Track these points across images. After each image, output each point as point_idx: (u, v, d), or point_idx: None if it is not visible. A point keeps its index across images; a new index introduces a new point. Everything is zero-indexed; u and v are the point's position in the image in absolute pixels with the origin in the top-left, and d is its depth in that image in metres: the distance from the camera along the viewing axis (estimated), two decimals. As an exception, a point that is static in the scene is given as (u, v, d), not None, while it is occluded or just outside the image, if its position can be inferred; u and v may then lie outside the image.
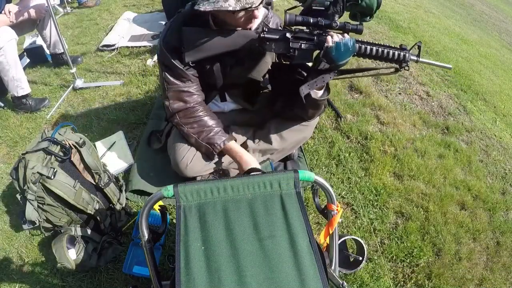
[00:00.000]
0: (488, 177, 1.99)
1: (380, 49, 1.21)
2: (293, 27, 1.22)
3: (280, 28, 1.37)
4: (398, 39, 3.34)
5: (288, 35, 1.22)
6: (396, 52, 1.21)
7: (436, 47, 3.39)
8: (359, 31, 1.20)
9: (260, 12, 1.32)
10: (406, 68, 1.24)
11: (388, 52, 1.21)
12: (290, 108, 1.50)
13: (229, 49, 1.27)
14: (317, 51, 1.25)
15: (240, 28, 1.27)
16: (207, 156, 1.46)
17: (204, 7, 1.13)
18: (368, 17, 1.72)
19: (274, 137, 1.58)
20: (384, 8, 3.98)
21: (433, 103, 2.50)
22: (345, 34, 1.20)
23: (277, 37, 1.22)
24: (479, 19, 5.94)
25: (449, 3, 5.99)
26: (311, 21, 1.18)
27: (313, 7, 1.61)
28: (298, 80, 1.36)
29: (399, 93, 2.53)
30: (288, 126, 1.57)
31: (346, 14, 1.75)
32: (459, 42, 3.89)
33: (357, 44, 1.21)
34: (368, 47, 1.21)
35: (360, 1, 1.61)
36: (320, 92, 1.32)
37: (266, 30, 1.22)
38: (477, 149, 2.16)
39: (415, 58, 1.23)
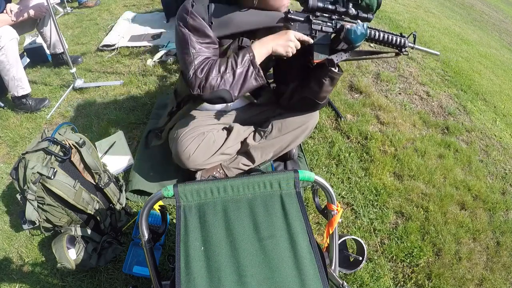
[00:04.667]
0: (488, 177, 1.99)
1: (386, 35, 1.37)
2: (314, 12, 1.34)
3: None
4: (398, 39, 3.34)
5: (311, 17, 1.33)
6: (398, 38, 1.38)
7: (436, 47, 3.39)
8: (368, 20, 1.34)
9: None
10: (405, 53, 1.40)
11: (392, 38, 1.37)
12: (300, 93, 1.51)
13: (256, 26, 1.31)
14: (333, 35, 1.38)
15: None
16: (256, 76, 1.29)
17: None
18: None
19: (275, 133, 1.58)
20: (384, 8, 3.98)
21: (433, 103, 2.50)
22: (358, 21, 1.31)
23: (302, 19, 1.32)
24: (479, 19, 5.94)
25: (449, 3, 5.99)
26: (330, 7, 1.31)
27: (313, 7, 1.63)
28: (305, 65, 1.43)
29: (399, 93, 2.54)
30: (290, 124, 1.57)
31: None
32: (459, 42, 3.89)
33: (369, 30, 1.33)
34: (377, 32, 1.36)
35: (360, 1, 1.61)
36: (341, 59, 1.39)
37: (292, 11, 1.31)
38: (477, 149, 2.16)
39: (412, 44, 1.40)
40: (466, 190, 1.84)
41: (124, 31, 3.12)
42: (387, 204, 1.70)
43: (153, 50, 2.82)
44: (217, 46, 1.31)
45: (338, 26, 1.34)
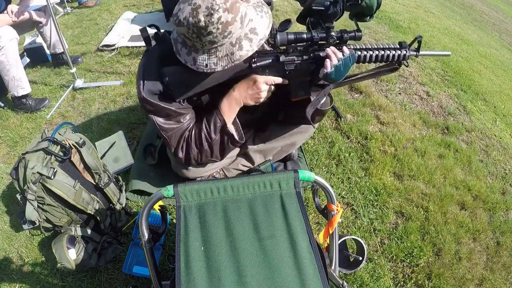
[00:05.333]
0: (488, 177, 1.99)
1: (380, 53, 1.18)
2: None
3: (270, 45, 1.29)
4: (398, 39, 3.34)
5: (281, 58, 1.14)
6: (396, 53, 1.19)
7: (436, 47, 3.39)
8: (357, 38, 1.14)
9: None
10: (405, 64, 1.23)
11: (388, 55, 1.19)
12: (295, 118, 1.48)
13: (218, 82, 1.18)
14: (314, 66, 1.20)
15: None
16: (233, 141, 1.28)
17: (218, 66, 1.06)
18: (368, 17, 1.72)
19: (273, 138, 1.57)
20: (384, 8, 3.98)
21: (433, 103, 2.50)
22: (344, 48, 1.14)
23: (269, 61, 1.14)
24: (479, 19, 5.94)
25: (449, 3, 5.99)
26: (305, 36, 1.11)
27: (313, 7, 1.61)
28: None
29: (399, 93, 2.53)
30: (289, 129, 1.56)
31: (346, 15, 1.75)
32: (459, 42, 3.89)
33: (357, 54, 1.16)
34: (368, 53, 1.18)
35: (360, 1, 1.61)
36: (322, 101, 1.29)
37: (256, 56, 1.14)
38: (477, 149, 2.16)
39: (414, 53, 1.22)
40: (466, 190, 1.84)
41: (124, 31, 3.12)
42: (387, 204, 1.70)
43: (153, 50, 2.82)
44: (185, 112, 1.25)
45: (318, 58, 1.13)
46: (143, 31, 1.25)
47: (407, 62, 1.22)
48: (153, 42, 1.28)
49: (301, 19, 1.76)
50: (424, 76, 2.78)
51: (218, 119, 1.24)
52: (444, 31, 4.06)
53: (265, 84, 1.18)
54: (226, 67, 1.08)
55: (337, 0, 1.38)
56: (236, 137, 1.27)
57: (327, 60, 1.11)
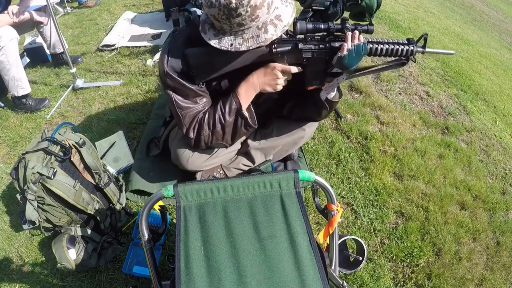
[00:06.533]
0: (488, 177, 1.99)
1: (390, 47, 1.23)
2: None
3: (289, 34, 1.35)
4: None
5: (300, 45, 1.21)
6: (405, 48, 1.24)
7: (436, 47, 3.36)
8: (370, 32, 1.20)
9: None
10: (413, 60, 1.27)
11: (397, 49, 1.23)
12: (301, 111, 1.49)
13: (239, 66, 1.22)
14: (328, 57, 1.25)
15: None
16: (246, 125, 1.30)
17: (243, 46, 1.10)
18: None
19: (275, 134, 1.58)
20: (384, 8, 3.98)
21: (433, 103, 2.50)
22: (360, 36, 1.18)
23: (289, 48, 1.21)
24: (479, 19, 5.94)
25: (449, 3, 5.99)
26: (322, 27, 1.17)
27: (313, 7, 1.61)
28: (300, 88, 1.33)
29: (399, 93, 2.53)
30: (292, 127, 1.56)
31: (345, 14, 1.75)
32: (459, 42, 3.89)
33: (369, 46, 1.21)
34: (379, 46, 1.23)
35: (360, 1, 1.61)
36: (333, 94, 1.33)
37: (276, 42, 1.20)
38: (477, 149, 2.16)
39: (421, 49, 1.26)
40: (466, 190, 1.84)
41: (124, 31, 3.12)
42: (387, 204, 1.70)
43: (153, 50, 2.82)
44: (203, 94, 1.29)
45: (333, 48, 1.19)
46: (174, 12, 1.27)
47: (414, 58, 1.27)
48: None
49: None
50: (424, 76, 2.78)
51: (234, 101, 1.27)
52: (444, 31, 4.06)
53: (283, 70, 1.23)
54: (251, 48, 1.12)
55: (337, 0, 1.39)
56: (250, 121, 1.30)
57: (345, 44, 1.16)
